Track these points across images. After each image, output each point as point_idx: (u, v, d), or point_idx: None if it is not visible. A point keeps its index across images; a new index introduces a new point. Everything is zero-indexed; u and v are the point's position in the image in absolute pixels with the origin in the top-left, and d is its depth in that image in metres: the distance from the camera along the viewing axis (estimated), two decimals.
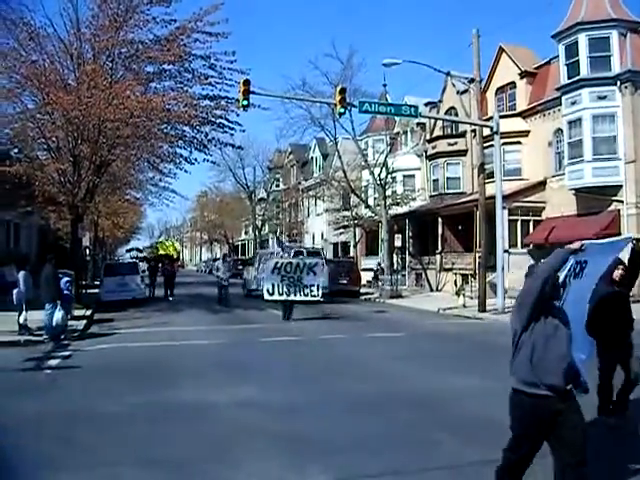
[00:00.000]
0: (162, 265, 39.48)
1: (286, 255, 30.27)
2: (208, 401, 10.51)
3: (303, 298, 24.15)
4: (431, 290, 41.06)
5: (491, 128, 28.33)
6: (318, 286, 24.30)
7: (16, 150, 28.39)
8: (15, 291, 18.93)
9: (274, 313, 26.16)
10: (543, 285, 5.19)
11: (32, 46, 24.86)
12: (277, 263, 24.38)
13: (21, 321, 18.55)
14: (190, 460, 7.53)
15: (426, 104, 46.38)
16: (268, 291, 23.99)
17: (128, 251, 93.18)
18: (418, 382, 12.52)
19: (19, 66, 24.29)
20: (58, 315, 17.92)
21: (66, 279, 19.93)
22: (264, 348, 17.50)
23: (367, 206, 46.44)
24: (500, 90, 40.38)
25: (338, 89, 25.82)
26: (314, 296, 24.20)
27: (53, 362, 14.74)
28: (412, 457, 7.63)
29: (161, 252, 39.66)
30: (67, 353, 16.08)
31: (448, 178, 43.89)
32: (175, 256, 43.11)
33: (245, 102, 24.04)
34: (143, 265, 46.53)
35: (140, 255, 71.07)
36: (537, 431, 5.36)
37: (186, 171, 29.80)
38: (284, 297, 23.90)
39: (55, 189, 27.12)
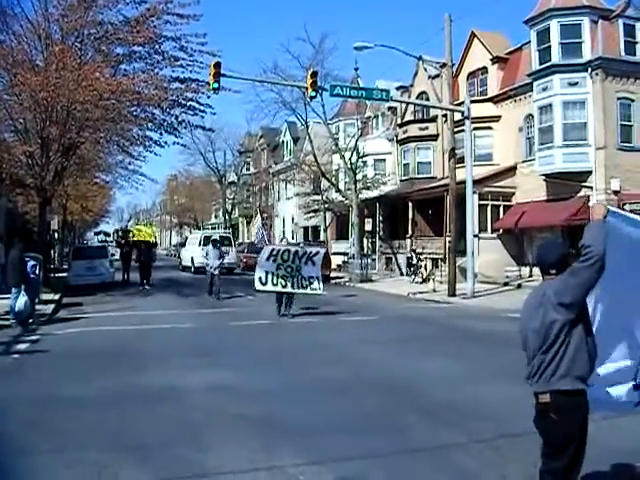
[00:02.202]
0: (138, 251, 34.83)
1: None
2: (178, 385, 10.47)
3: (302, 291, 20.72)
4: (401, 274, 41.17)
5: (462, 113, 28.41)
6: (318, 278, 21.01)
7: None
8: None
9: (243, 297, 26.15)
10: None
11: None
12: (273, 250, 20.89)
13: None
14: (159, 444, 7.50)
15: (397, 88, 46.36)
16: (260, 280, 20.46)
17: (96, 234, 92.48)
18: (389, 366, 12.59)
19: None
20: (22, 300, 17.71)
21: (32, 263, 19.72)
22: (235, 332, 17.47)
23: (338, 190, 46.43)
24: (471, 75, 40.47)
25: (310, 72, 25.78)
26: (314, 289, 20.88)
27: (21, 346, 14.61)
28: (383, 440, 7.65)
29: (138, 237, 38.63)
30: (35, 337, 15.94)
31: (419, 163, 43.95)
32: (153, 241, 42.12)
33: (215, 85, 23.88)
34: (115, 250, 46.12)
35: (109, 239, 70.43)
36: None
37: (156, 154, 29.65)
38: (279, 288, 20.44)
39: (23, 172, 26.90)
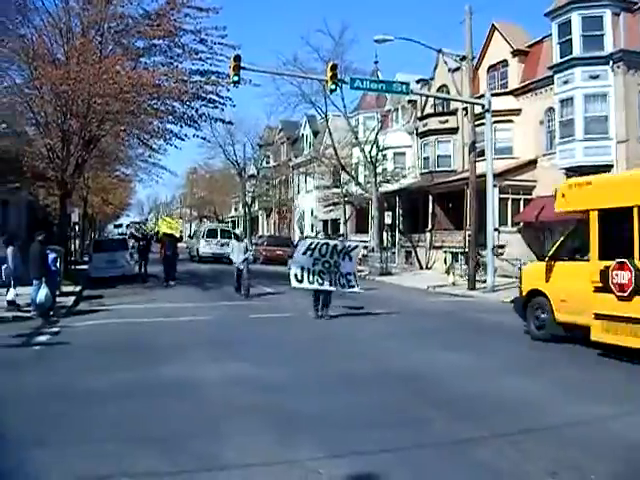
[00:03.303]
0: (162, 245, 32.22)
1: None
2: (197, 377, 10.49)
3: (339, 289, 19.08)
4: (421, 268, 41.09)
5: (482, 106, 28.29)
6: (355, 275, 19.64)
7: (4, 125, 28.14)
8: (3, 267, 18.85)
9: (263, 289, 26.19)
10: None
11: (20, 20, 24.55)
12: (311, 244, 19.13)
13: (9, 297, 18.47)
14: (178, 436, 7.51)
15: (417, 81, 46.26)
16: (296, 277, 18.81)
17: (116, 227, 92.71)
18: (409, 359, 12.58)
19: (6, 40, 23.98)
20: (42, 292, 17.82)
21: (53, 255, 19.81)
22: (255, 325, 17.51)
23: (357, 183, 46.41)
24: (492, 68, 40.30)
25: (329, 65, 25.70)
26: (352, 287, 19.33)
27: (42, 338, 14.68)
28: (403, 434, 7.64)
29: (165, 230, 38.26)
30: (56, 329, 16.02)
31: (439, 156, 43.89)
32: (178, 235, 42.00)
33: (236, 78, 23.89)
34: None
35: (128, 232, 70.40)
36: None
37: (176, 147, 29.61)
38: (315, 286, 18.71)
39: (44, 164, 26.93)
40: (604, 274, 12.49)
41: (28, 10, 24.72)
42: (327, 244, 19.03)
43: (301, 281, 18.79)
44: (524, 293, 15.65)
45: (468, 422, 8.09)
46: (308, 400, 9.22)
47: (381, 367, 11.67)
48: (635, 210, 11.96)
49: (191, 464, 6.60)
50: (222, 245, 46.84)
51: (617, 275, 12.21)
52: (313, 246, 18.85)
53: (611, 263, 12.35)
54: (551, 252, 15.09)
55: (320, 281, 18.64)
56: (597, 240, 12.96)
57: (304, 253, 18.77)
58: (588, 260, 13.22)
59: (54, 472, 6.44)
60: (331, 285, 18.77)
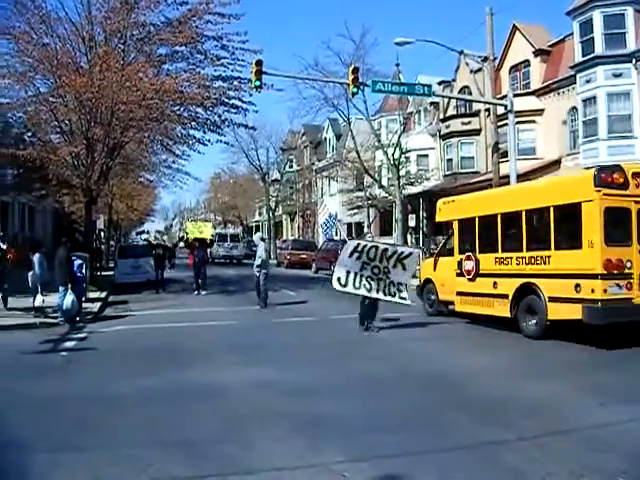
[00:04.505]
0: (192, 251, 30.61)
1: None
2: (222, 382, 10.53)
3: (389, 299, 16.97)
4: None
5: (505, 107, 28.16)
6: (406, 286, 17.27)
7: (29, 134, 28.46)
8: (30, 274, 19.03)
9: (287, 294, 26.22)
10: None
11: (44, 29, 24.79)
12: (358, 245, 16.92)
13: (36, 304, 18.65)
14: (204, 441, 7.55)
15: (439, 83, 46.20)
16: (339, 280, 16.79)
17: (138, 234, 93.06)
18: (434, 362, 12.56)
19: (31, 49, 24.24)
20: (69, 299, 18.01)
21: (79, 262, 19.99)
22: (279, 329, 17.59)
23: (381, 186, 46.39)
24: (514, 68, 40.18)
25: (351, 69, 25.79)
26: (403, 298, 17.14)
27: (68, 344, 14.82)
28: (428, 437, 7.61)
29: (196, 235, 37.63)
30: (82, 335, 16.17)
31: (462, 157, 43.83)
32: (209, 240, 41.42)
33: (257, 83, 24.05)
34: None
35: (147, 239, 70.58)
36: None
37: (199, 152, 29.81)
38: (362, 291, 16.72)
39: (69, 172, 27.21)
40: (460, 264, 18.11)
41: (52, 20, 24.98)
42: (376, 247, 16.90)
43: (345, 285, 16.79)
44: (422, 281, 21.51)
45: (493, 425, 8.06)
46: (333, 403, 9.23)
47: (408, 370, 11.66)
48: (476, 219, 17.66)
49: (217, 469, 6.63)
50: (231, 248, 56.01)
51: (466, 264, 17.81)
52: (360, 248, 16.72)
53: (463, 256, 18.04)
54: (437, 251, 21.42)
55: (368, 287, 16.61)
56: (457, 240, 18.66)
57: (350, 255, 16.71)
58: (450, 254, 19.03)
59: (80, 477, 6.50)
60: (378, 293, 16.77)
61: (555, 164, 35.90)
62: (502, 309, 16.05)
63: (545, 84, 37.18)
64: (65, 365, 12.49)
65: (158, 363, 12.36)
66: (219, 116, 27.29)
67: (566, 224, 14.59)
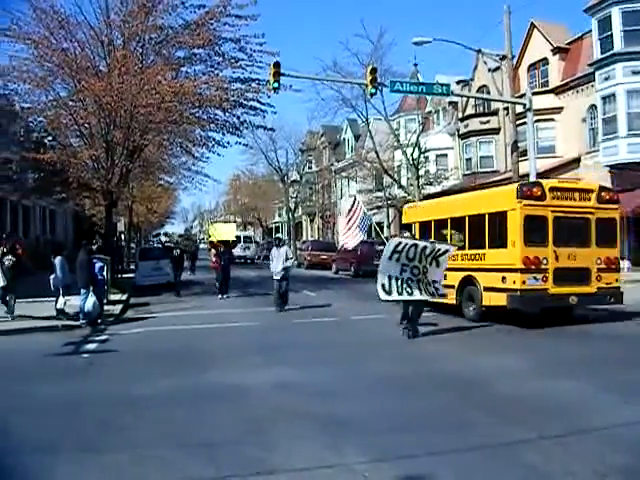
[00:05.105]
0: (217, 253, 28.80)
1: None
2: (243, 383, 10.56)
3: (426, 298, 15.96)
4: None
5: (524, 105, 28.05)
6: (440, 283, 16.38)
7: (50, 138, 28.68)
8: (52, 277, 19.14)
9: (308, 295, 26.25)
10: None
11: (63, 34, 24.94)
12: (398, 245, 15.55)
13: (58, 306, 18.77)
14: (225, 441, 7.59)
15: (457, 82, 46.14)
16: (384, 287, 15.36)
17: (155, 236, 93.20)
18: (453, 362, 12.53)
19: (50, 54, 24.40)
20: (90, 301, 18.16)
21: (99, 264, 20.11)
22: (299, 330, 17.62)
23: (400, 186, 46.38)
24: (532, 67, 40.02)
25: (369, 69, 25.83)
26: (442, 296, 16.57)
27: (90, 346, 14.90)
28: (449, 437, 7.59)
29: (220, 237, 36.73)
30: (104, 337, 16.26)
31: (481, 157, 43.73)
32: (232, 241, 40.57)
33: (276, 84, 24.15)
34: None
35: (165, 241, 70.39)
36: None
37: (218, 155, 29.89)
38: (405, 297, 15.61)
39: (89, 175, 27.34)
40: None
41: (71, 25, 25.14)
42: (415, 245, 15.72)
43: (389, 292, 15.41)
44: None
45: (515, 424, 8.02)
46: (354, 404, 9.24)
47: (426, 370, 11.65)
48: (432, 222, 21.09)
49: (238, 469, 6.65)
50: (244, 249, 61.04)
51: None
52: (400, 248, 15.45)
53: None
54: None
55: (409, 290, 15.49)
56: (418, 237, 20.04)
57: (390, 257, 15.41)
58: None
59: (103, 477, 6.57)
60: (420, 294, 15.65)
61: (574, 162, 35.71)
62: (450, 298, 18.49)
63: (564, 82, 36.99)
64: (87, 367, 12.56)
65: (179, 365, 12.41)
66: (238, 118, 27.33)
67: (496, 228, 17.55)
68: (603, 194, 17.90)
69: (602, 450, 7.00)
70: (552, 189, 17.05)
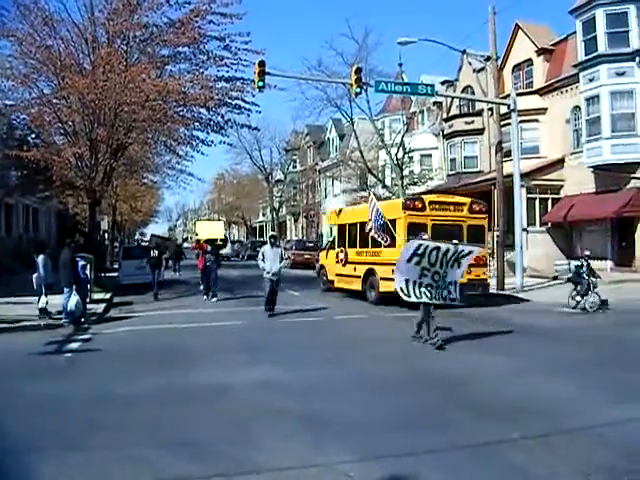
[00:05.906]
0: (202, 253, 27.74)
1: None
2: (227, 382, 10.54)
3: (441, 302, 15.04)
4: None
5: (508, 106, 28.16)
6: (455, 283, 15.26)
7: (33, 135, 28.48)
8: (34, 275, 19.00)
9: (292, 294, 26.26)
10: None
11: (47, 31, 24.81)
12: (419, 247, 14.54)
13: (40, 305, 18.60)
14: (210, 440, 7.57)
15: (442, 83, 46.27)
16: (402, 291, 14.71)
17: (140, 235, 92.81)
18: (439, 361, 12.60)
19: (34, 51, 24.25)
20: (73, 300, 18.01)
21: (82, 263, 19.98)
22: (284, 329, 17.60)
23: (384, 186, 46.44)
24: (517, 67, 40.18)
25: (354, 69, 25.83)
26: (453, 300, 15.22)
27: (73, 345, 14.80)
28: (434, 436, 7.64)
29: (206, 236, 35.69)
30: (87, 336, 16.15)
31: (465, 157, 43.81)
32: (220, 240, 39.35)
33: (260, 83, 24.11)
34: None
35: (141, 240, 69.81)
36: None
37: (203, 153, 29.87)
38: (424, 299, 14.67)
39: (72, 173, 27.18)
40: (337, 254, 26.65)
41: (55, 22, 25.01)
42: (438, 249, 14.66)
43: (409, 295, 14.69)
44: (318, 266, 30.48)
45: (500, 424, 8.06)
46: (339, 403, 9.24)
47: (412, 369, 11.69)
48: (347, 225, 26.19)
49: (223, 469, 6.65)
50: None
51: (340, 255, 26.29)
52: (421, 251, 14.49)
53: (340, 249, 26.43)
54: (328, 245, 29.11)
55: (428, 295, 14.62)
56: (337, 239, 27.16)
57: (409, 260, 14.53)
58: (334, 248, 27.32)
59: (87, 476, 6.53)
60: (437, 299, 14.82)
61: (558, 163, 35.88)
62: (358, 285, 24.41)
63: (548, 83, 37.13)
64: (69, 366, 12.48)
65: (163, 364, 12.35)
66: (222, 117, 27.28)
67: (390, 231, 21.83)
68: (474, 206, 22.85)
69: (585, 449, 7.04)
70: (431, 202, 22.38)
